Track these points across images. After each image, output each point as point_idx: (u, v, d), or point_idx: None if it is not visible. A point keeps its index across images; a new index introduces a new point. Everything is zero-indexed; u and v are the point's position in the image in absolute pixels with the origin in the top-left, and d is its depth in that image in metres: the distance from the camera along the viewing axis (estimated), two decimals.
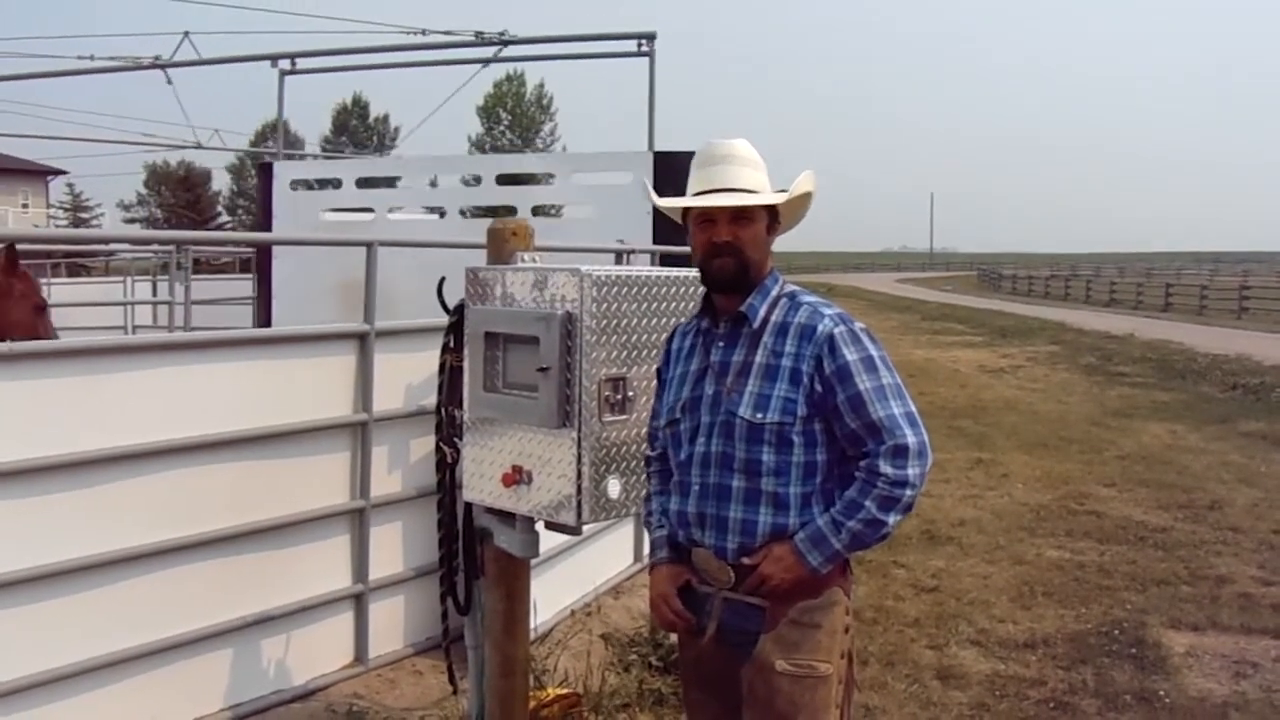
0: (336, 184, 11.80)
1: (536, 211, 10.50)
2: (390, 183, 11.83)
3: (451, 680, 5.12)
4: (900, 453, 3.10)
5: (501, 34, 13.97)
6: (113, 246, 22.07)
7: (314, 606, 5.38)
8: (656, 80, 11.05)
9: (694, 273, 3.91)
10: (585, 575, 6.79)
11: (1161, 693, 5.94)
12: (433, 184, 11.70)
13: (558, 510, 3.88)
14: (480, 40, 14.15)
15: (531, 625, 4.69)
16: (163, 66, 17.63)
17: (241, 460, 5.02)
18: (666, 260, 7.00)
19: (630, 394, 3.86)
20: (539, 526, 4.16)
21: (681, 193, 3.34)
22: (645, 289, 3.93)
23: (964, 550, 8.71)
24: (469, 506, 4.50)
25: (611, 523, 6.70)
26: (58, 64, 19.73)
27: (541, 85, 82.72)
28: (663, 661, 5.85)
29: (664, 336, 3.81)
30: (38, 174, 62.72)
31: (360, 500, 5.52)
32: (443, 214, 11.14)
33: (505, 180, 10.74)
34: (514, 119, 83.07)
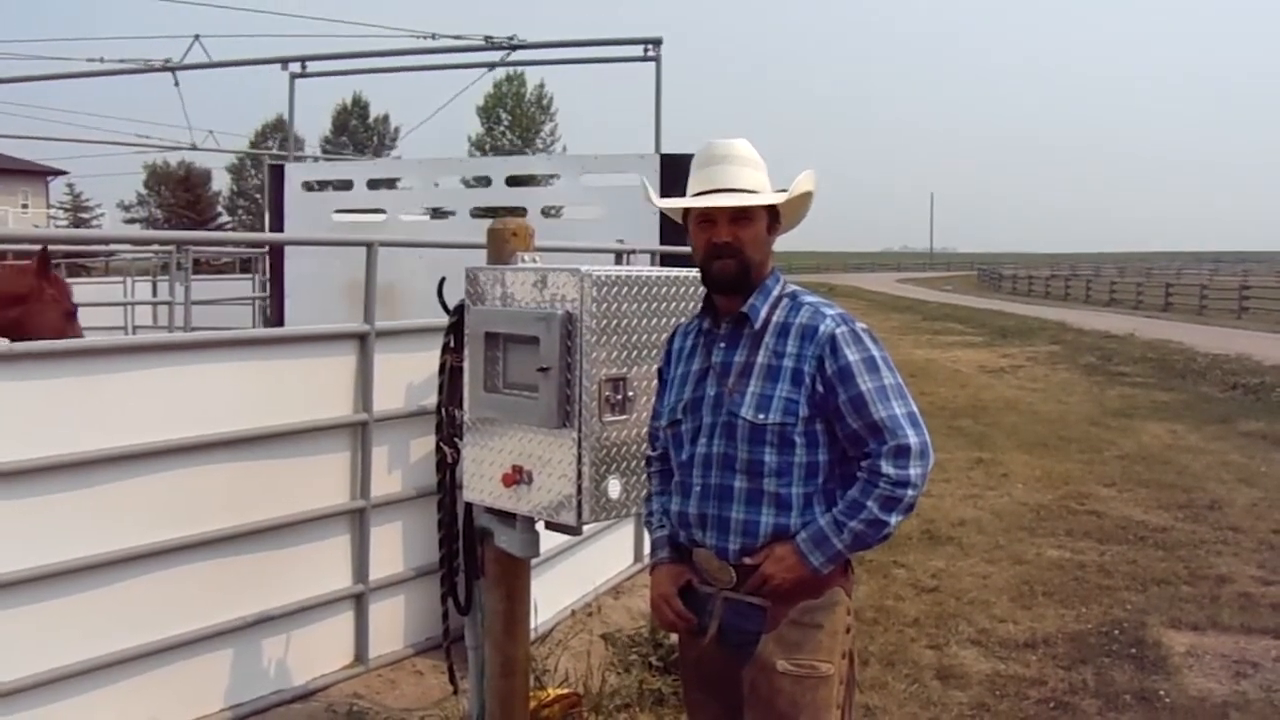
0: (348, 185, 11.84)
1: (546, 213, 10.64)
2: (392, 184, 11.88)
3: (452, 680, 5.12)
4: (902, 453, 3.10)
5: (510, 39, 13.98)
6: (113, 247, 22.01)
7: (314, 606, 5.38)
8: (656, 81, 11.11)
9: (694, 273, 3.91)
10: (585, 575, 6.79)
11: (1162, 692, 5.94)
12: (437, 185, 11.73)
13: (558, 510, 3.88)
14: (490, 45, 14.15)
15: (532, 625, 4.69)
16: (173, 69, 17.65)
17: (242, 460, 5.02)
18: (668, 260, 7.02)
19: (630, 394, 3.86)
20: (539, 526, 4.15)
21: (685, 193, 3.34)
22: (645, 289, 3.93)
23: (964, 550, 8.71)
24: (469, 506, 4.50)
25: (612, 523, 6.70)
26: (67, 66, 19.75)
27: (541, 86, 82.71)
28: (663, 662, 5.85)
29: (664, 336, 3.81)
30: (38, 174, 62.71)
31: (361, 500, 5.52)
32: (454, 215, 11.19)
33: (515, 182, 10.82)
34: (514, 119, 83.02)
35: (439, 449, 4.78)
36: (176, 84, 18.13)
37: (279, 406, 5.15)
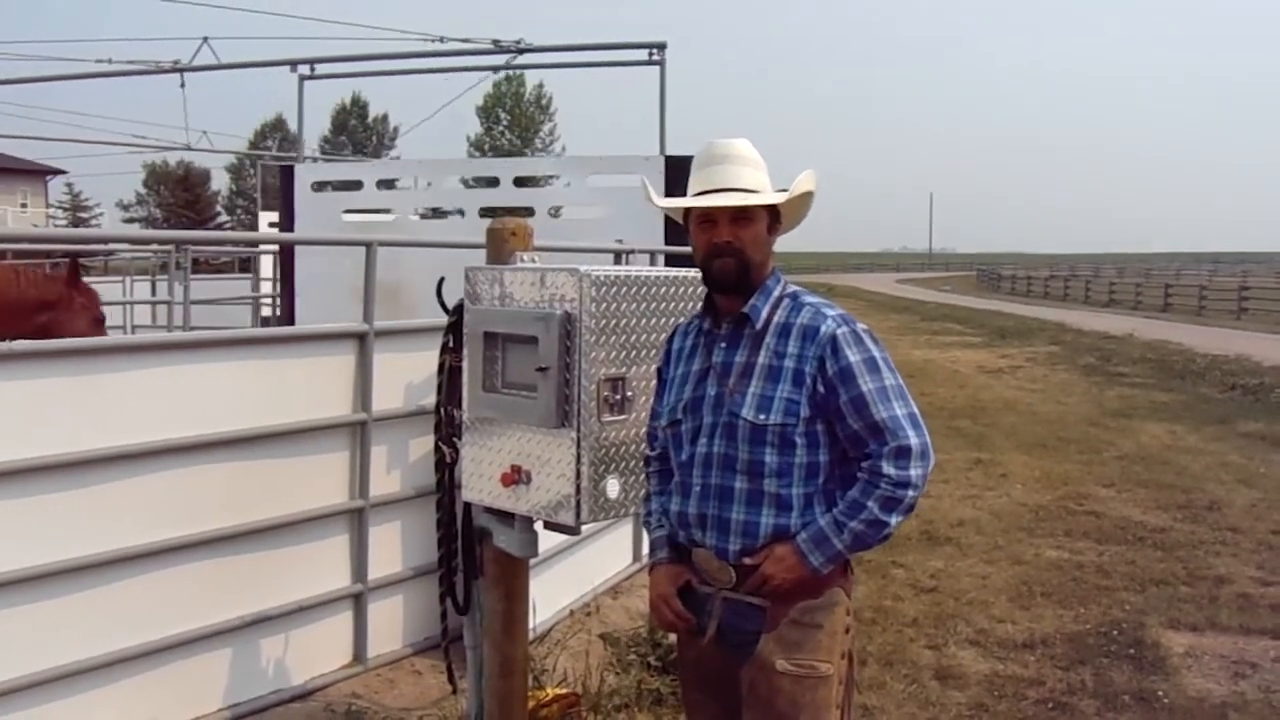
0: (357, 185, 11.91)
1: (553, 214, 10.68)
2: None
3: (451, 680, 5.12)
4: (903, 454, 3.10)
5: (517, 42, 14.00)
6: (112, 246, 22.02)
7: (313, 606, 5.38)
8: (661, 84, 11.18)
9: (694, 272, 3.91)
10: (584, 575, 6.79)
11: (1160, 693, 5.95)
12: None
13: (557, 510, 3.88)
14: (498, 48, 14.18)
15: (530, 625, 4.69)
16: (182, 70, 17.69)
17: (240, 460, 5.02)
18: (672, 260, 7.03)
19: (629, 394, 3.86)
20: (538, 526, 4.15)
21: (686, 194, 3.34)
22: (644, 289, 3.93)
23: (963, 550, 8.71)
24: (468, 506, 4.50)
25: (610, 523, 6.70)
26: (74, 67, 19.79)
27: (540, 86, 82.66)
28: (661, 661, 5.85)
29: (663, 336, 3.81)
30: (37, 174, 62.74)
31: (359, 500, 5.52)
32: (462, 214, 11.27)
33: (521, 183, 10.91)
34: (513, 119, 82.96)
35: (438, 449, 4.78)
36: (183, 85, 18.18)
37: (278, 406, 5.15)
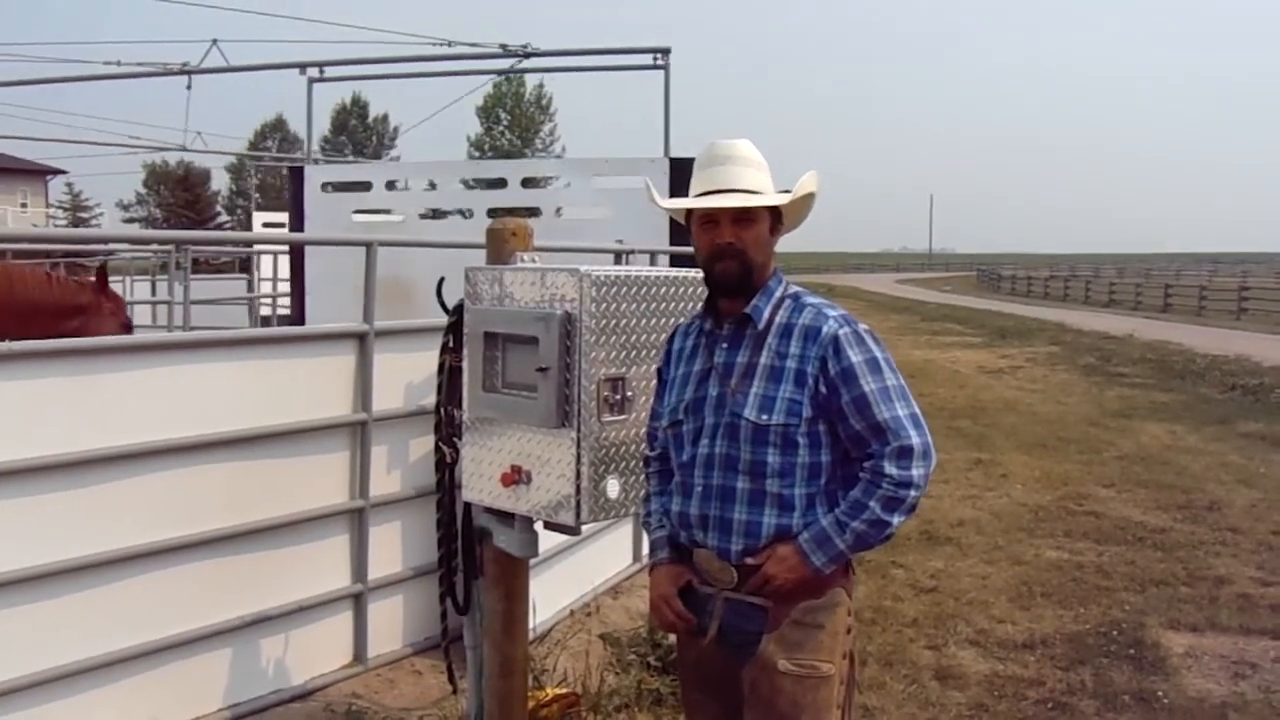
0: (366, 186, 12.01)
1: (560, 214, 10.82)
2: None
3: (451, 680, 5.12)
4: (905, 454, 3.11)
5: (524, 46, 14.06)
6: (112, 246, 22.03)
7: (313, 606, 5.38)
8: (658, 85, 11.29)
9: (694, 272, 3.92)
10: (584, 575, 6.79)
11: (1160, 693, 5.95)
12: (463, 184, 11.89)
13: (557, 510, 3.88)
14: (505, 53, 14.24)
15: (530, 625, 4.69)
16: (190, 73, 17.77)
17: (240, 460, 5.02)
18: (677, 261, 7.04)
19: (629, 394, 3.86)
20: (538, 526, 4.16)
21: (689, 194, 3.34)
22: (644, 289, 3.93)
23: (963, 551, 8.72)
24: (468, 506, 4.50)
25: (610, 523, 6.70)
26: (82, 69, 19.85)
27: (541, 86, 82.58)
28: (661, 662, 5.85)
29: (664, 336, 3.81)
30: (37, 173, 62.76)
31: (359, 500, 5.52)
32: (470, 214, 11.33)
33: (529, 184, 11.05)
34: (513, 119, 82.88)
35: (438, 449, 4.78)
36: (189, 87, 18.25)
37: (278, 406, 5.15)
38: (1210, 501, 10.46)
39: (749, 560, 3.19)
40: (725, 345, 3.30)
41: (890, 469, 3.10)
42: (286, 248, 15.18)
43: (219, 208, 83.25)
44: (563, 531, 4.11)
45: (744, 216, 3.24)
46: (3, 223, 54.90)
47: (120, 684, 4.62)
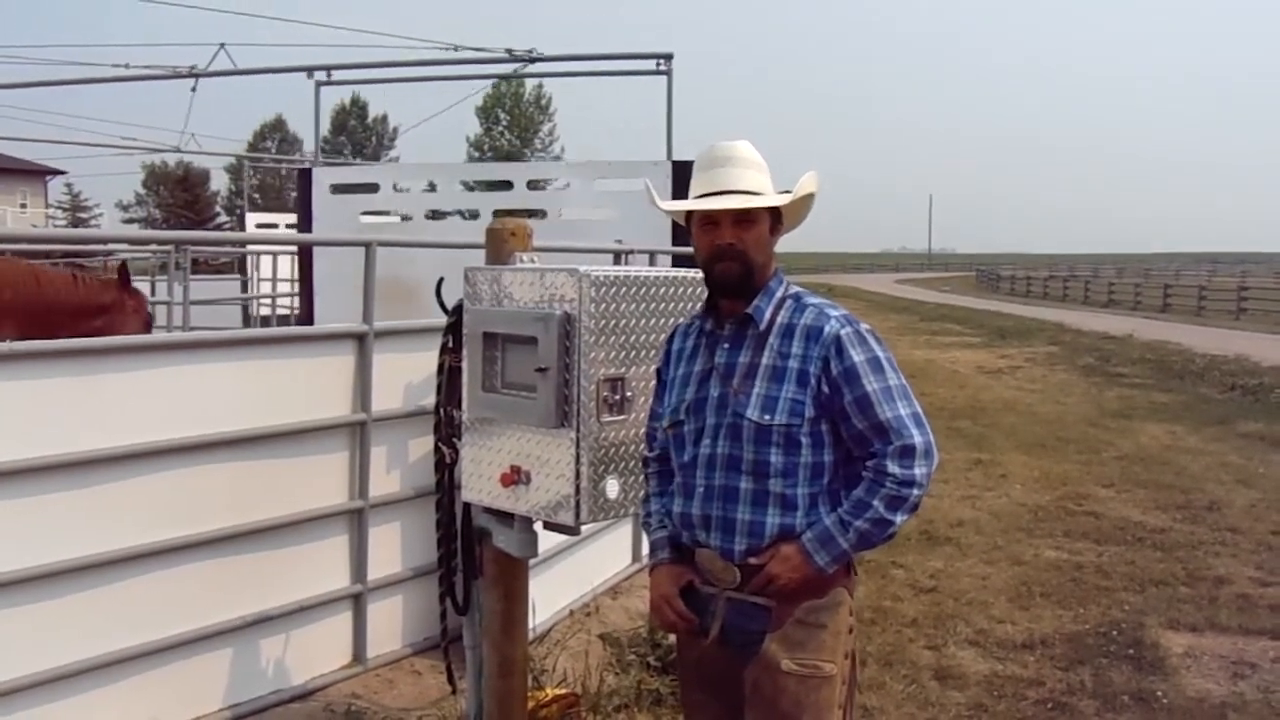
0: (374, 189, 12.11)
1: (559, 214, 10.94)
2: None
3: (450, 680, 5.13)
4: (907, 453, 3.12)
5: (530, 51, 14.13)
6: (111, 246, 22.03)
7: (313, 606, 5.39)
8: (660, 89, 11.30)
9: (693, 272, 3.93)
10: (583, 575, 6.79)
11: (1159, 693, 5.95)
12: (463, 185, 11.96)
13: (556, 510, 3.88)
14: (512, 57, 14.33)
15: (530, 625, 4.69)
16: (198, 76, 17.92)
17: (240, 460, 5.02)
18: (679, 261, 7.06)
19: (629, 394, 3.86)
20: (537, 526, 4.16)
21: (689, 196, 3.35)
22: (643, 289, 3.93)
23: (962, 551, 8.72)
24: (467, 506, 4.51)
25: (610, 523, 6.70)
26: (90, 71, 19.97)
27: (540, 86, 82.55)
28: (661, 662, 5.85)
29: (663, 336, 3.82)
30: (36, 174, 62.76)
31: (359, 500, 5.52)
32: (477, 216, 11.42)
33: (534, 186, 11.28)
34: (512, 119, 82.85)
35: (437, 449, 4.79)
36: (194, 89, 18.38)
37: (277, 406, 5.16)
38: (1210, 501, 10.46)
39: (752, 560, 3.20)
40: (727, 346, 3.30)
41: (893, 468, 3.10)
42: (283, 248, 15.24)
43: (218, 208, 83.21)
44: (562, 532, 4.11)
45: (744, 218, 3.24)
46: (2, 223, 54.89)
47: (120, 684, 4.63)
